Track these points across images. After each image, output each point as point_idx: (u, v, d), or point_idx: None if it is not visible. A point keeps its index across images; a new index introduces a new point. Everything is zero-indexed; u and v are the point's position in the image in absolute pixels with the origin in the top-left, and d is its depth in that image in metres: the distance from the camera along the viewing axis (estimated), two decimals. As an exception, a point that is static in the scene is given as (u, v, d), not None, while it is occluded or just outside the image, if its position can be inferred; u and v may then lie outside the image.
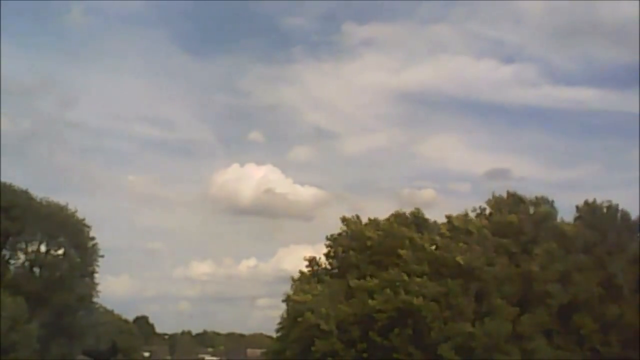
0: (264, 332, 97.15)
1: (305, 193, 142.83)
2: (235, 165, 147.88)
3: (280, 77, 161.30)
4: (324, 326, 48.38)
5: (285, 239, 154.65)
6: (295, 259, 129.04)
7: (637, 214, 54.79)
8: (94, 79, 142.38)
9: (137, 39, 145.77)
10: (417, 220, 55.85)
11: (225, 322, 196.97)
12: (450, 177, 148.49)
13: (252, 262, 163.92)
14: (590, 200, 56.18)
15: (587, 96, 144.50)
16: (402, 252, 50.39)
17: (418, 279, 48.59)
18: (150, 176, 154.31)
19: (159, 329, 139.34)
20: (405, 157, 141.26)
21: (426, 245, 52.06)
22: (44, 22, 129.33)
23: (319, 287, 52.35)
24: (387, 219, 55.44)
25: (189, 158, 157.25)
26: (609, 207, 55.51)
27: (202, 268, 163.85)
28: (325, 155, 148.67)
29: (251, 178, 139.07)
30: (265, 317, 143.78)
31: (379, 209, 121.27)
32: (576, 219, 56.20)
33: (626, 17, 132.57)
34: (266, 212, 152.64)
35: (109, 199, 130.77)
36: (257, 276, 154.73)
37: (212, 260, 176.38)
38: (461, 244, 50.85)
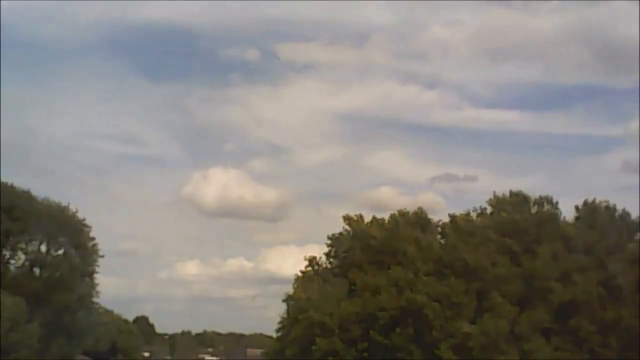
0: (264, 332, 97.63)
1: (269, 197, 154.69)
2: (201, 173, 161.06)
3: (226, 99, 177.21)
4: (328, 323, 48.42)
5: (265, 240, 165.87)
6: (278, 259, 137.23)
7: (637, 214, 55.03)
8: (61, 100, 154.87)
9: (99, 67, 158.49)
10: (421, 220, 56.02)
11: (224, 322, 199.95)
12: (402, 183, 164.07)
13: (238, 262, 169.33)
14: (590, 200, 56.46)
15: (506, 118, 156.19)
16: (409, 249, 50.55)
17: (425, 278, 48.77)
18: (126, 184, 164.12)
19: (159, 329, 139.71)
20: (356, 168, 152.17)
21: (434, 244, 52.34)
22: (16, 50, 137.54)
23: (322, 285, 52.43)
24: (392, 218, 55.55)
25: (157, 169, 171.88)
26: (608, 208, 55.62)
27: (189, 269, 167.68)
28: (281, 166, 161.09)
29: (217, 184, 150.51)
30: (257, 316, 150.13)
31: (340, 212, 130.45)
32: (576, 219, 56.28)
33: (539, 42, 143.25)
34: (235, 214, 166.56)
35: (89, 203, 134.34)
36: (246, 276, 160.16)
37: (199, 260, 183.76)
38: (464, 245, 51.02)
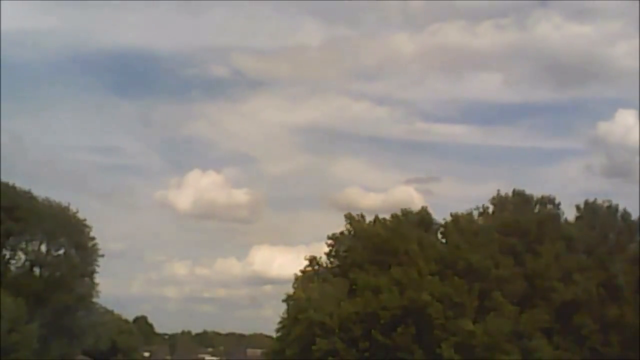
0: (264, 332, 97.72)
1: (243, 200, 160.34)
2: (176, 179, 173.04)
3: (194, 114, 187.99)
4: (328, 323, 48.33)
5: (250, 241, 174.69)
6: (268, 259, 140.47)
7: (637, 214, 54.97)
8: (39, 116, 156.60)
9: (70, 86, 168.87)
10: (423, 220, 55.93)
11: (220, 322, 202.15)
12: (367, 187, 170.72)
13: (228, 262, 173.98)
14: (590, 200, 56.42)
15: (454, 131, 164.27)
16: (411, 248, 50.49)
17: (428, 277, 48.73)
18: (107, 190, 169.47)
19: (158, 329, 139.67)
20: (321, 175, 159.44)
21: (436, 244, 52.34)
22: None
23: (322, 285, 52.32)
24: (394, 218, 55.48)
25: (136, 176, 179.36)
26: (609, 207, 55.54)
27: (180, 269, 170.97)
28: (251, 174, 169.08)
29: (193, 189, 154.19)
30: (251, 316, 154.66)
31: (313, 214, 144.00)
32: (577, 219, 56.22)
33: (481, 60, 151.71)
34: (213, 216, 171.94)
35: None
36: (237, 276, 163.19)
37: (190, 261, 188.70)
38: (467, 244, 50.98)
